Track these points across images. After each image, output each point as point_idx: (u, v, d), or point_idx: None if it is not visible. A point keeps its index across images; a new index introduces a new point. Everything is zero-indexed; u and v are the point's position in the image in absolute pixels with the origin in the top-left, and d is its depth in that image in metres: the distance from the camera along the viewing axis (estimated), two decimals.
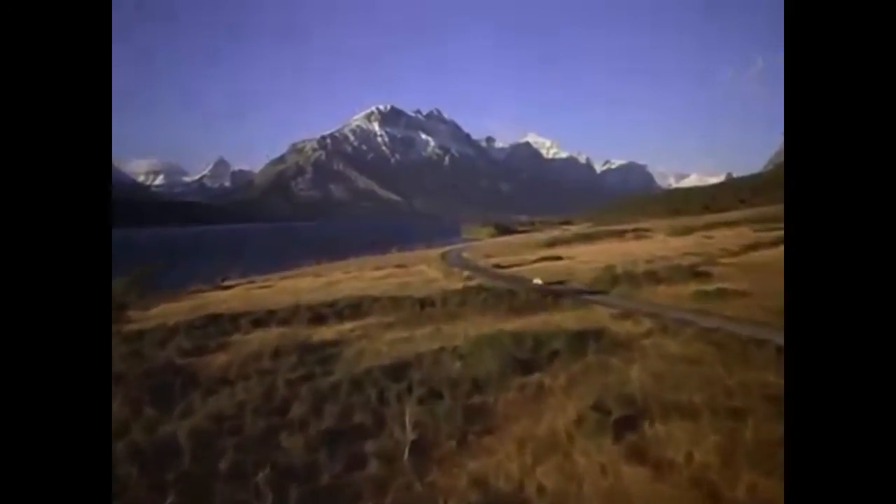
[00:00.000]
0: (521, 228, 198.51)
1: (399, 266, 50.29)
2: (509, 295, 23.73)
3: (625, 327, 17.55)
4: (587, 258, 40.85)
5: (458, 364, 14.45)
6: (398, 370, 14.62)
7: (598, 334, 16.66)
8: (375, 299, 26.24)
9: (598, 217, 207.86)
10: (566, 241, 70.12)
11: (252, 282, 50.88)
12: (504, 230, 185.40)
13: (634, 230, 77.17)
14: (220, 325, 23.79)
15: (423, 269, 44.71)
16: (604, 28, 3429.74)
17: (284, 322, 23.29)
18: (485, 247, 79.34)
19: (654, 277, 25.22)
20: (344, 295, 30.96)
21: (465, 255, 62.80)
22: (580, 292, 24.82)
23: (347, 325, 21.67)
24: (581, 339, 15.86)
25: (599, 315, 19.50)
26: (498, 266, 41.68)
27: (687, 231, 64.54)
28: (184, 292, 46.00)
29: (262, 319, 23.95)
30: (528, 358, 14.69)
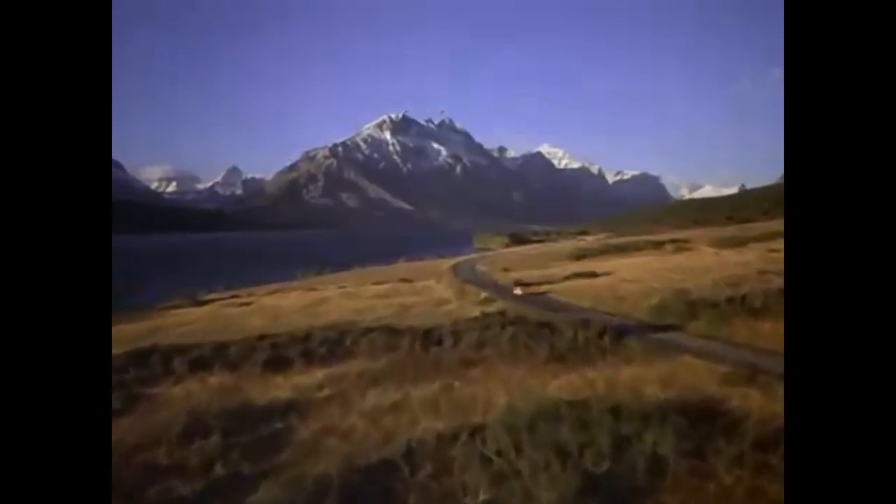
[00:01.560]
0: (535, 238, 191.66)
1: (404, 280, 43.74)
2: (547, 330, 16.96)
3: (753, 401, 10.62)
4: (631, 275, 33.59)
5: (481, 494, 7.76)
6: (371, 488, 8.10)
7: (713, 415, 9.89)
8: (365, 331, 19.60)
9: (616, 227, 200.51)
10: (597, 253, 61.93)
11: (236, 296, 44.65)
12: (518, 240, 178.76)
13: (672, 241, 68.77)
14: (149, 365, 17.52)
15: (430, 286, 38.05)
16: (619, 39, 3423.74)
17: (233, 365, 16.80)
18: (501, 258, 72.06)
19: (746, 307, 18.12)
20: (328, 321, 24.40)
21: (479, 267, 55.54)
22: (651, 329, 17.95)
23: (317, 375, 15.09)
24: (691, 427, 9.04)
25: (695, 372, 12.64)
26: (521, 283, 34.78)
27: (739, 243, 56.10)
28: (152, 310, 39.91)
29: (206, 359, 17.54)
30: (609, 473, 8.00)
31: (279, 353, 17.67)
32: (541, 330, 17.06)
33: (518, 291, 34.95)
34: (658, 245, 66.88)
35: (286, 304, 33.63)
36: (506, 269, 49.06)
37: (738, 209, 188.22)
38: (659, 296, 22.11)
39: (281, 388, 14.43)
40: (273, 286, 51.67)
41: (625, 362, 14.05)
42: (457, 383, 13.43)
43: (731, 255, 44.55)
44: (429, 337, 18.01)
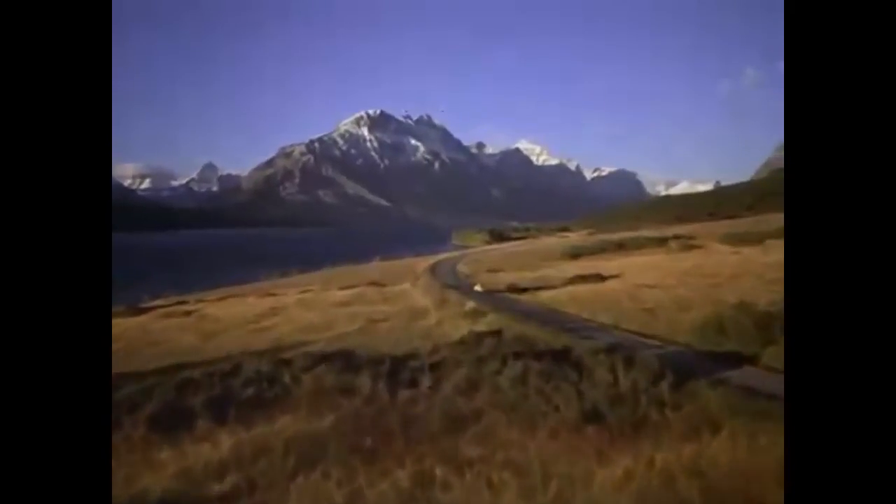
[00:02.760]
0: (515, 235, 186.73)
1: (375, 284, 38.22)
2: (568, 368, 11.79)
3: None
4: (647, 278, 27.89)
5: None
6: None
7: None
8: (312, 362, 14.29)
9: (597, 224, 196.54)
10: (594, 251, 56.20)
11: (181, 302, 38.89)
12: (498, 236, 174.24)
13: (675, 237, 62.56)
14: None
15: (405, 291, 32.64)
16: (595, 36, 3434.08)
17: (114, 424, 11.39)
18: (485, 257, 66.26)
19: None
20: (271, 340, 19.02)
21: (461, 267, 50.32)
22: (716, 362, 12.85)
23: (223, 446, 9.72)
24: None
25: None
26: (514, 288, 29.34)
27: (754, 240, 50.11)
28: None
29: None
30: None
31: (184, 399, 12.31)
32: (559, 366, 11.87)
33: (478, 288, 31.87)
34: (661, 242, 60.28)
35: (232, 313, 28.04)
36: (492, 270, 43.51)
37: (719, 205, 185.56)
38: (700, 307, 17.09)
39: (161, 470, 9.13)
40: (228, 290, 45.96)
41: (706, 429, 8.89)
42: (438, 470, 8.25)
43: (754, 254, 39.09)
44: (398, 373, 12.82)
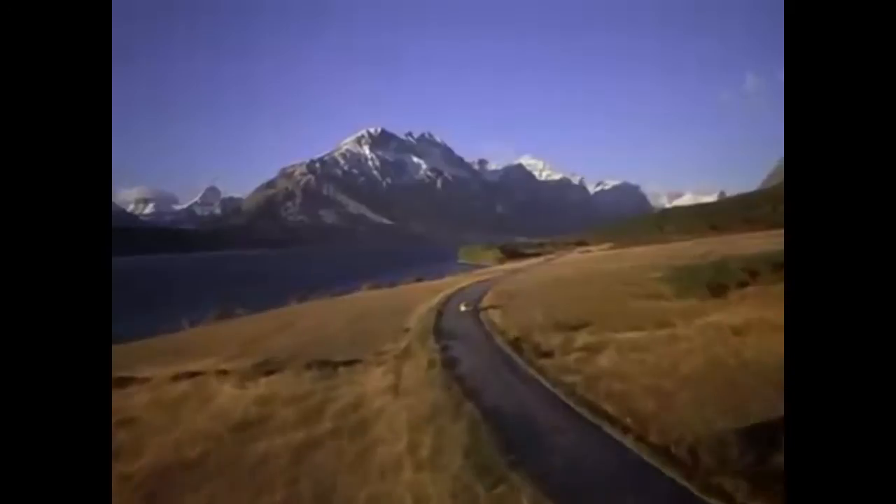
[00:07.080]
0: (529, 251, 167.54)
1: (323, 363, 18.08)
2: None
3: None
4: None
5: None
6: None
7: None
8: None
9: (616, 237, 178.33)
10: (728, 277, 30.43)
11: None
12: (511, 253, 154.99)
13: None
14: None
15: (372, 418, 12.41)
16: (596, 49, 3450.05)
17: None
18: (517, 286, 44.36)
19: None
20: None
21: (494, 317, 27.15)
22: None
23: None
24: None
25: None
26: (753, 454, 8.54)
27: None
28: None
29: None
30: None
31: None
32: None
33: (463, 308, 29.91)
34: None
35: None
36: (562, 328, 20.58)
37: (752, 211, 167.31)
38: None
39: None
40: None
41: None
42: None
43: None
44: None
